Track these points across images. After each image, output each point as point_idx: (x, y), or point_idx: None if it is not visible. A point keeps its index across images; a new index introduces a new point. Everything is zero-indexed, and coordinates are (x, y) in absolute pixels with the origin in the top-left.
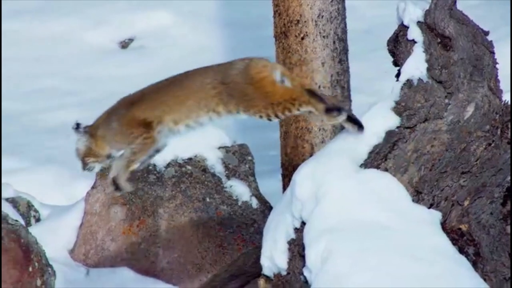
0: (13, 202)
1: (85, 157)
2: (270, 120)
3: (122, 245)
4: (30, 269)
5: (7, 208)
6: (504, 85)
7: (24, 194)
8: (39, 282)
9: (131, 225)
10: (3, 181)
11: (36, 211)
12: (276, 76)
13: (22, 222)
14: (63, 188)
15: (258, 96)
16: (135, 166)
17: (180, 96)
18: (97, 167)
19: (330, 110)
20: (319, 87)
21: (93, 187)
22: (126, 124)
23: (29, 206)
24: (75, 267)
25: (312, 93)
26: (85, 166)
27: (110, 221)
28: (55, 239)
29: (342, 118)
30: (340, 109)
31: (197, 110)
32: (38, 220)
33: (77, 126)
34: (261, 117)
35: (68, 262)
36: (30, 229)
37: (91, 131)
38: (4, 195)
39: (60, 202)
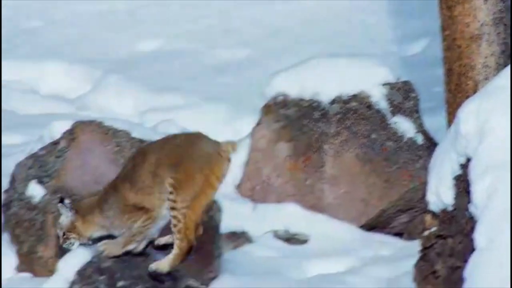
0: None
1: (68, 232)
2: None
3: (288, 181)
4: None
5: None
6: None
7: (189, 130)
8: (205, 217)
9: (296, 161)
10: (168, 117)
11: None
12: None
13: None
14: (228, 125)
15: None
16: (131, 246)
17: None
18: (76, 245)
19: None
20: (481, 25)
21: (258, 124)
22: (123, 211)
23: None
24: (242, 202)
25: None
26: (65, 241)
27: (276, 157)
28: None
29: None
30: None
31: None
32: None
33: (61, 200)
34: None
35: (235, 198)
36: None
37: (77, 209)
38: (168, 131)
39: (225, 138)
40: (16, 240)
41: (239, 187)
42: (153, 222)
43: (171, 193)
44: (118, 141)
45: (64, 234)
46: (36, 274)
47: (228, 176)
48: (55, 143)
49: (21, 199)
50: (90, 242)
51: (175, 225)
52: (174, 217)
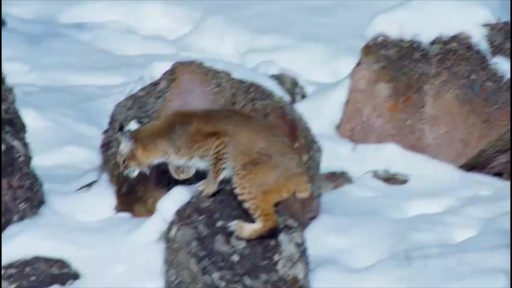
0: (278, 79)
1: (128, 160)
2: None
3: (388, 121)
4: (297, 145)
5: (273, 85)
6: None
7: (289, 71)
8: (305, 158)
9: (396, 102)
10: (268, 57)
11: (301, 88)
12: None
13: (287, 98)
14: (328, 65)
15: None
16: (222, 175)
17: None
18: (137, 172)
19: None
20: None
21: (358, 64)
22: (193, 140)
23: (294, 83)
24: (341, 143)
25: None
26: (125, 168)
27: (376, 98)
28: (320, 115)
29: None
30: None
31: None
32: (303, 96)
33: (121, 128)
34: None
35: (335, 138)
36: (296, 106)
37: (136, 138)
38: (269, 71)
39: (325, 79)
40: (116, 180)
41: (339, 127)
42: (226, 147)
43: (235, 187)
44: (218, 81)
45: (124, 162)
46: (135, 214)
47: (328, 117)
48: (155, 83)
49: None
50: (149, 170)
51: (253, 214)
52: (248, 208)
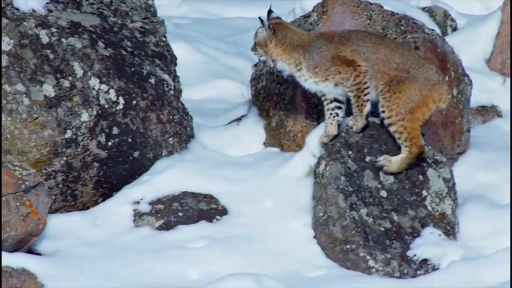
0: (430, 11)
1: (258, 45)
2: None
3: None
4: (447, 78)
5: (424, 18)
6: None
7: (441, 3)
8: (455, 91)
9: None
10: None
11: (453, 20)
12: None
13: (438, 31)
14: None
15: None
16: (367, 108)
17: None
18: (262, 58)
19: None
20: None
21: None
22: (332, 62)
23: (446, 15)
24: (491, 76)
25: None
26: (254, 49)
27: None
28: (471, 48)
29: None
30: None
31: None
32: (454, 29)
33: (269, 13)
34: None
35: (485, 72)
36: (447, 39)
37: (275, 31)
38: (420, 4)
39: (477, 11)
40: (266, 114)
41: (489, 61)
42: (365, 77)
43: (383, 110)
44: (369, 14)
45: (255, 44)
46: (283, 148)
47: (478, 50)
48: (306, 16)
49: (271, 73)
50: (272, 65)
51: (399, 138)
52: (395, 131)
